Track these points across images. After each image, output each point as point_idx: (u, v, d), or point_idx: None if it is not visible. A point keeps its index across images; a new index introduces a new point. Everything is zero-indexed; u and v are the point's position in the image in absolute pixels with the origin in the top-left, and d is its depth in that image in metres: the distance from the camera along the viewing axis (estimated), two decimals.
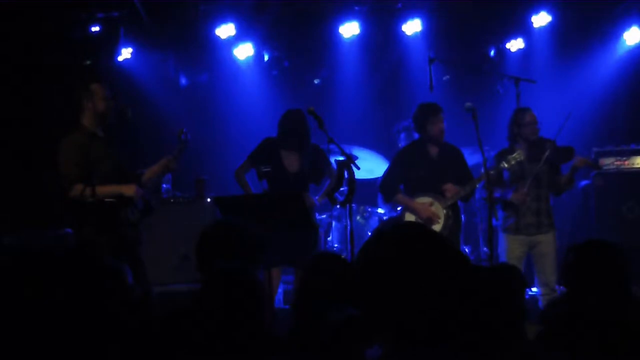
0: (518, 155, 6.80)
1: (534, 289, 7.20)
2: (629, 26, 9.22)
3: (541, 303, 6.83)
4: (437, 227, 6.85)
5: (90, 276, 1.98)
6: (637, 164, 8.52)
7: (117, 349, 1.96)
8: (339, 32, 9.42)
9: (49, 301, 1.87)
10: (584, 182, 8.63)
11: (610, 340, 2.73)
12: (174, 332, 2.68)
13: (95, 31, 9.16)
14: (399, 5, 9.35)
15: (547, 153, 6.81)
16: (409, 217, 7.07)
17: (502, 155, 6.93)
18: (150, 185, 6.26)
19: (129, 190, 5.79)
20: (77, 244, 5.77)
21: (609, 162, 8.53)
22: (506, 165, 6.84)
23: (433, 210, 6.96)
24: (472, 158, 7.69)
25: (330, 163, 7.01)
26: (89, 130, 5.84)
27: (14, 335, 1.85)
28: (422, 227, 2.13)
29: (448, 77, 9.62)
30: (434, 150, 7.11)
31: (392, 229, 2.10)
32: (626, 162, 8.53)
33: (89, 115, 5.87)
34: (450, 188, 6.95)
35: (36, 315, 1.86)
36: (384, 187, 7.27)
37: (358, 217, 7.90)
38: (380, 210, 7.99)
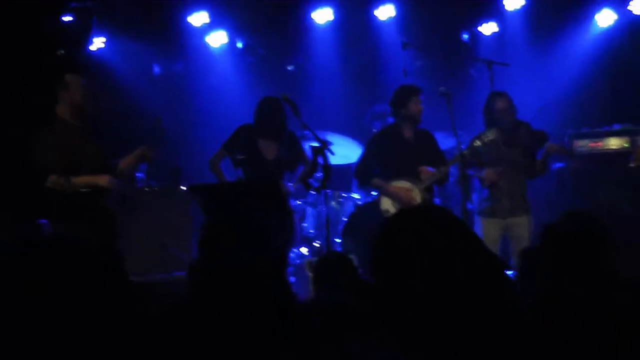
0: (491, 134, 6.81)
1: (510, 272, 7.24)
2: (600, 8, 9.25)
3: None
4: None
5: (87, 271, 1.95)
6: (611, 146, 8.54)
7: (118, 348, 1.93)
8: (312, 18, 9.40)
9: (46, 300, 1.85)
10: (557, 164, 8.65)
11: (598, 330, 2.69)
12: (171, 330, 2.64)
13: (67, 21, 9.08)
14: None
15: (520, 137, 6.84)
16: (385, 201, 7.08)
17: (477, 136, 6.96)
18: (126, 174, 6.23)
19: (104, 180, 5.77)
20: (61, 237, 5.73)
21: (583, 145, 8.54)
22: (479, 144, 6.84)
23: (410, 195, 6.97)
24: (446, 142, 7.69)
25: (304, 150, 7.02)
26: (65, 121, 5.81)
27: (13, 335, 1.83)
28: (406, 219, 2.04)
29: (421, 62, 9.61)
30: (408, 133, 7.12)
31: (379, 227, 2.05)
32: (600, 144, 8.56)
33: (65, 105, 5.84)
34: (425, 170, 6.97)
35: (33, 315, 1.83)
36: (359, 172, 7.28)
37: (333, 203, 7.88)
38: (355, 196, 7.98)
